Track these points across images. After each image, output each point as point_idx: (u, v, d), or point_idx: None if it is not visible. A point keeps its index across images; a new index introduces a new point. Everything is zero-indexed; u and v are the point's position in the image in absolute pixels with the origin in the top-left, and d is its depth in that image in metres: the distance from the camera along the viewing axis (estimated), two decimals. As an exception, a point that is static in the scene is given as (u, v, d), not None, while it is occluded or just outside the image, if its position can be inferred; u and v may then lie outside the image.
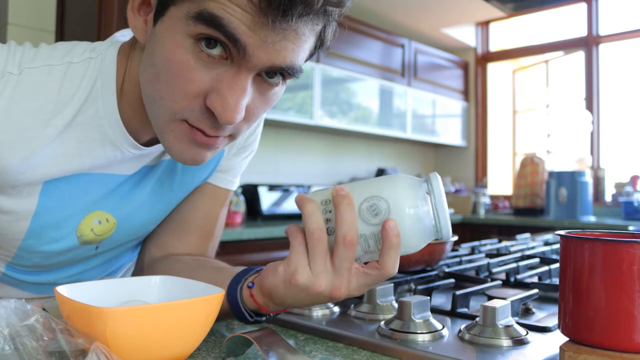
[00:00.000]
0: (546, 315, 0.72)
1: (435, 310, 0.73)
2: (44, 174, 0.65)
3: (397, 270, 0.53)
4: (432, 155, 4.92)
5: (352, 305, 0.74)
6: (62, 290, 0.52)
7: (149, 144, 0.71)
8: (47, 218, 0.69)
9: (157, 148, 0.72)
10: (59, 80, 0.63)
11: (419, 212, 0.51)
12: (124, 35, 0.70)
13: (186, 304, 0.50)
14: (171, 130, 0.59)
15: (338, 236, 0.52)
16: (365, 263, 0.55)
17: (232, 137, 0.63)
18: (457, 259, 1.06)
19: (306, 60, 0.60)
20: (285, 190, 3.12)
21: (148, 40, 0.59)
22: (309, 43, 0.57)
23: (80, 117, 0.64)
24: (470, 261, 1.06)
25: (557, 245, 1.30)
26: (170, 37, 0.55)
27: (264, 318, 0.63)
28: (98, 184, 0.70)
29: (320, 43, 0.59)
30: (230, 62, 0.55)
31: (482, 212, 4.01)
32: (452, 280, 0.86)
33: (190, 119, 0.58)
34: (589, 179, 3.56)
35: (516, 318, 0.67)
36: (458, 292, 0.73)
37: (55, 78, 0.62)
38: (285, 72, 0.57)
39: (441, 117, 4.36)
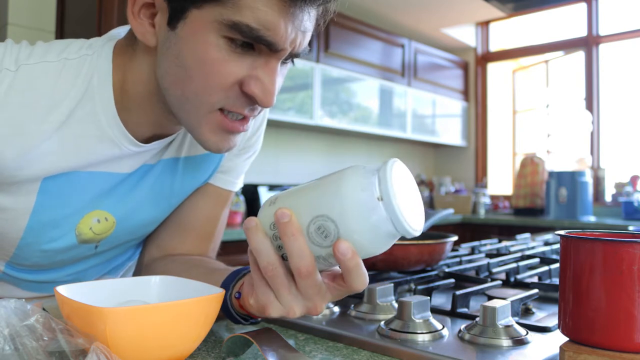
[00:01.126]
0: (546, 315, 0.72)
1: (435, 310, 0.73)
2: (42, 170, 0.65)
3: (367, 283, 0.50)
4: (432, 155, 4.92)
5: (352, 305, 0.74)
6: (62, 290, 0.52)
7: (148, 141, 0.71)
8: (46, 216, 0.69)
9: (156, 145, 0.72)
10: (55, 77, 0.63)
11: (370, 222, 0.45)
12: (120, 33, 0.70)
13: (186, 304, 0.49)
14: (206, 124, 0.62)
15: (294, 270, 0.49)
16: None
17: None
18: (457, 259, 1.06)
19: None
20: (285, 190, 3.11)
21: (164, 43, 0.60)
22: (315, 25, 0.62)
23: (78, 114, 0.64)
24: (470, 261, 1.06)
25: (557, 245, 1.30)
26: (202, 38, 0.57)
27: (259, 320, 0.63)
28: (96, 182, 0.70)
29: (318, 22, 0.63)
30: (260, 51, 0.58)
31: (482, 212, 4.01)
32: (452, 280, 0.86)
33: (228, 105, 0.61)
34: (589, 179, 3.56)
35: (516, 318, 0.67)
36: (458, 292, 0.73)
37: (51, 75, 0.63)
38: (299, 55, 0.62)
39: (441, 117, 4.36)
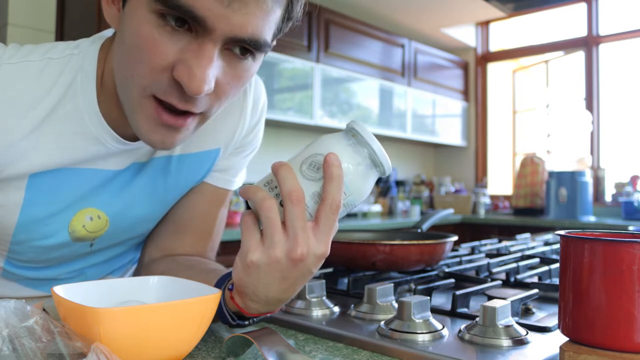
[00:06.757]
0: (546, 315, 0.72)
1: (435, 310, 0.73)
2: (28, 167, 0.66)
3: (341, 202, 0.52)
4: (432, 155, 4.92)
5: (352, 305, 0.74)
6: (59, 290, 0.52)
7: (135, 139, 0.70)
8: (36, 212, 0.69)
9: (143, 143, 0.71)
10: (36, 74, 0.64)
11: (354, 155, 0.54)
12: (112, 32, 0.71)
13: (181, 304, 0.49)
14: (141, 108, 0.60)
15: (284, 197, 0.51)
16: None
17: (203, 115, 0.63)
18: (457, 259, 1.06)
19: (275, 38, 0.60)
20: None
21: (119, 25, 0.60)
22: (274, 15, 0.56)
23: (60, 111, 0.65)
24: (470, 261, 1.06)
25: (557, 245, 1.30)
26: (137, 14, 0.56)
27: (246, 322, 0.62)
28: (85, 179, 0.70)
29: (287, 16, 0.59)
30: (195, 33, 0.55)
31: (482, 212, 4.01)
32: (452, 280, 0.86)
33: (159, 92, 0.58)
34: (589, 179, 3.56)
35: (516, 318, 0.66)
36: (458, 292, 0.73)
37: (31, 73, 0.63)
38: (248, 46, 0.56)
39: (441, 117, 4.36)
